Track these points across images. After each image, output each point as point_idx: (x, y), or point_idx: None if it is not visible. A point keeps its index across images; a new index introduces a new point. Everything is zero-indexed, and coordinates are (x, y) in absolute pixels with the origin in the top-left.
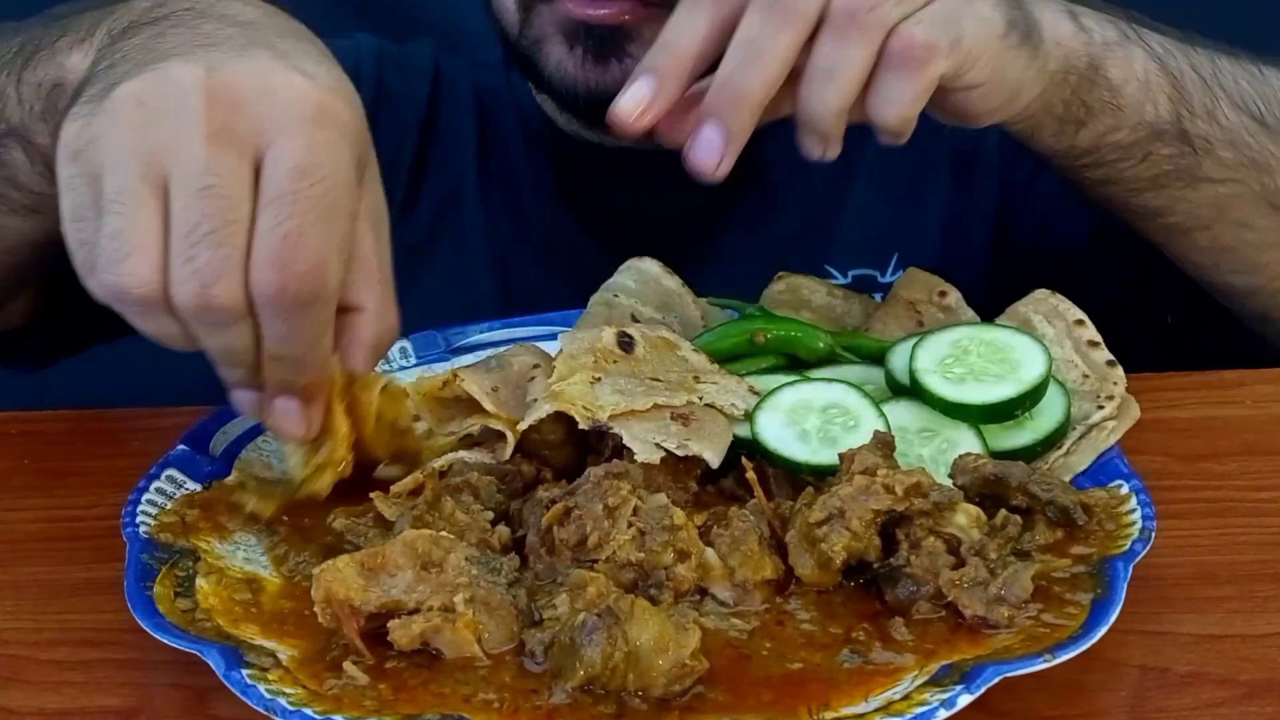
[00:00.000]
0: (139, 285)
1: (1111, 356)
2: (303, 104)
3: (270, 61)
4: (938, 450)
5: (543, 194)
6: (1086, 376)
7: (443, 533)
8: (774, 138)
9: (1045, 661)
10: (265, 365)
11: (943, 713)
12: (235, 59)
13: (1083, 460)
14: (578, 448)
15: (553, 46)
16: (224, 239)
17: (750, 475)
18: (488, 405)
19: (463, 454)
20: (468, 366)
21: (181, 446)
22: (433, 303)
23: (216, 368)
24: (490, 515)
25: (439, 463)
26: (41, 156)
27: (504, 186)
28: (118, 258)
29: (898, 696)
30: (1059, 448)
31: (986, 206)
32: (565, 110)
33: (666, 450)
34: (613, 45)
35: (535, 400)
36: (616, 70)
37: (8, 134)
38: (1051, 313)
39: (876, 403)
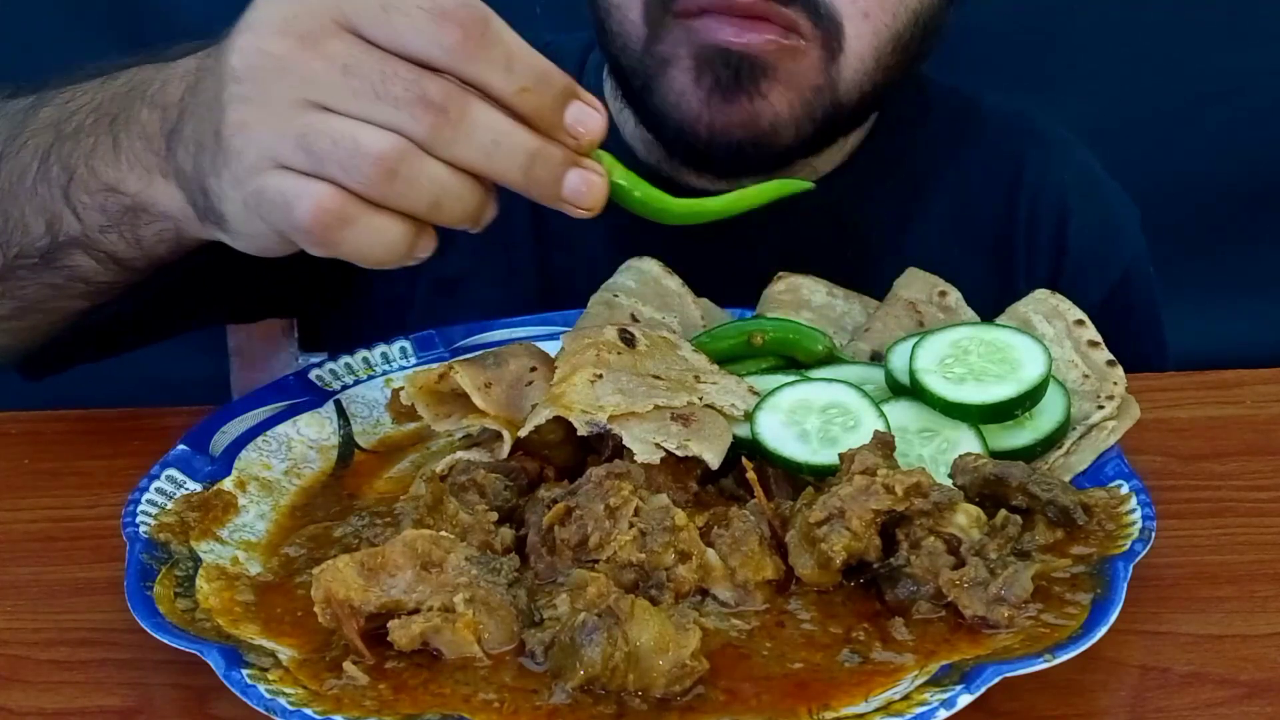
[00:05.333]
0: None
1: (1111, 356)
2: None
3: None
4: (938, 450)
5: (612, 237)
6: (1086, 376)
7: (443, 533)
8: (866, 198)
9: (1045, 661)
10: (524, 107)
11: (943, 713)
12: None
13: (1083, 460)
14: (578, 447)
15: (679, 72)
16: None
17: (750, 475)
18: (477, 400)
19: (463, 454)
20: (464, 359)
21: (181, 446)
22: None
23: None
24: (495, 516)
25: (440, 465)
26: (113, 258)
27: (564, 222)
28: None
29: (898, 696)
30: (1059, 448)
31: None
32: (671, 150)
33: (666, 450)
34: (749, 79)
35: (535, 405)
36: (745, 109)
37: (69, 243)
38: (1051, 313)
39: (876, 403)
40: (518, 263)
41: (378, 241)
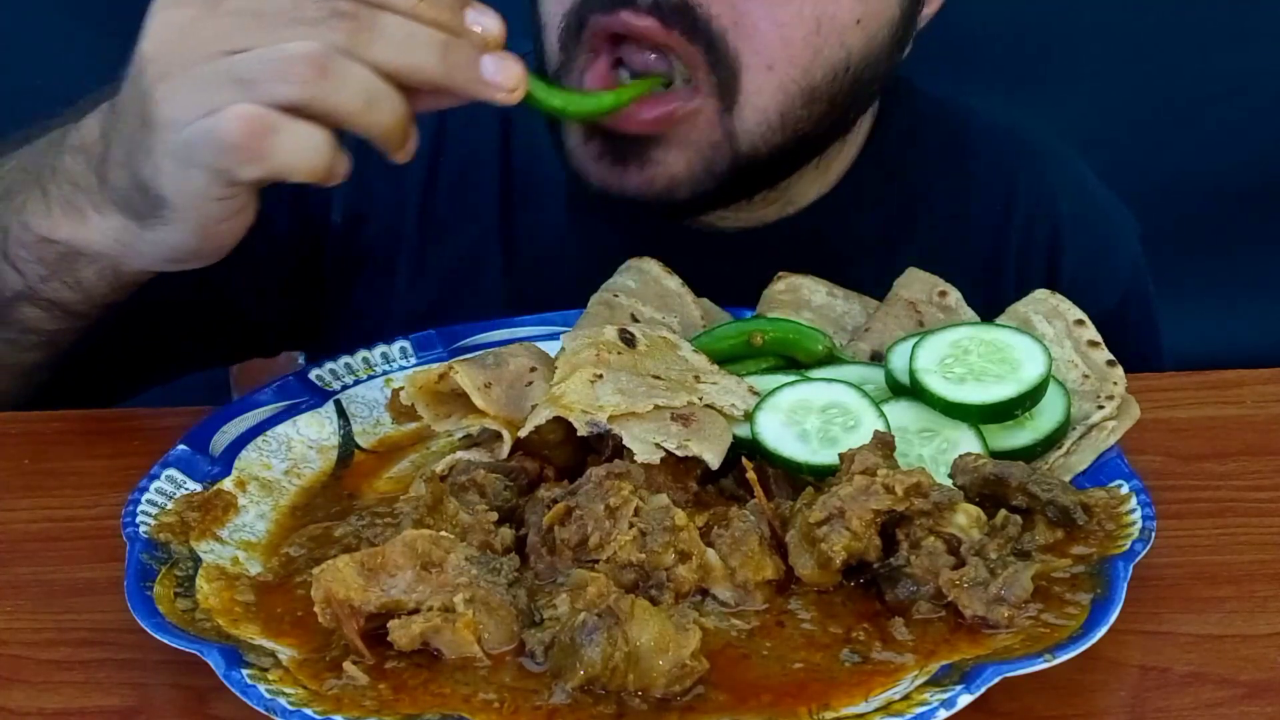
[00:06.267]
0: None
1: (1111, 356)
2: None
3: None
4: (938, 450)
5: (583, 268)
6: (1086, 376)
7: (443, 533)
8: (854, 224)
9: (1045, 661)
10: (425, 17)
11: (943, 713)
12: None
13: (1083, 460)
14: (578, 447)
15: (570, 129)
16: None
17: (750, 475)
18: (478, 400)
19: (463, 454)
20: (464, 359)
21: (181, 446)
22: None
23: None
24: (495, 516)
25: (440, 465)
26: (59, 306)
27: (534, 250)
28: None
29: (898, 696)
30: (1059, 448)
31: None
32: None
33: (666, 450)
34: (635, 153)
35: (535, 406)
36: (637, 175)
37: (15, 298)
38: (1051, 313)
39: (876, 403)
40: (488, 295)
41: (306, 148)
